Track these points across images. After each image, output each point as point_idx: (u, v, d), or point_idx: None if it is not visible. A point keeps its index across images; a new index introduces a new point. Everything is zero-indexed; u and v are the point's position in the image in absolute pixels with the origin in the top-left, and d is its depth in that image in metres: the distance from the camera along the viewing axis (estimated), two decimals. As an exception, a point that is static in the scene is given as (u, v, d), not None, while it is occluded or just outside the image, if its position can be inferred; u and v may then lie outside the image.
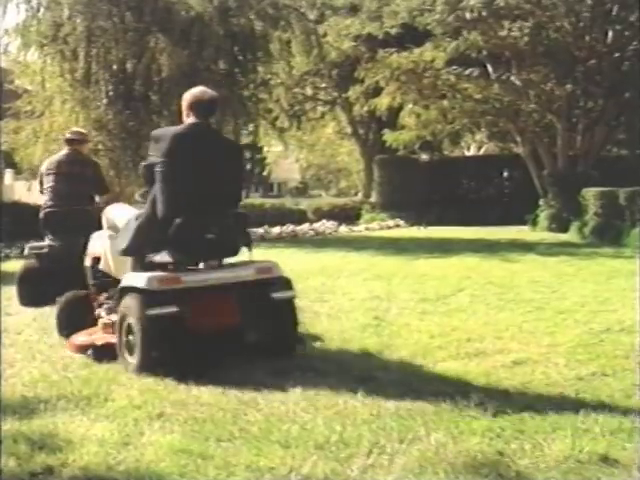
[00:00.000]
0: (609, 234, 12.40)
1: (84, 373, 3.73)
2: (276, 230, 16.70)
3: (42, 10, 14.25)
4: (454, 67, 16.17)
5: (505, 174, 22.15)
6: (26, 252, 6.96)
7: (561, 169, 17.44)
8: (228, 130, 16.43)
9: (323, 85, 26.37)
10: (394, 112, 23.50)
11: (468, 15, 14.23)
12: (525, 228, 18.16)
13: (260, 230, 16.46)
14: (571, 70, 16.25)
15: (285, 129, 25.17)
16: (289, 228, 17.31)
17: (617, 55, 15.80)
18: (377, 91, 21.63)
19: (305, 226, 17.96)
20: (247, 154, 29.75)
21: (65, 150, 6.89)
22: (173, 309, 3.77)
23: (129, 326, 3.88)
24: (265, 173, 44.02)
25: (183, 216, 3.98)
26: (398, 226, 19.65)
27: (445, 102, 18.68)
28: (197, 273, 4.18)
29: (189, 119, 4.29)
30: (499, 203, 21.70)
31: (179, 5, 14.24)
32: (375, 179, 22.97)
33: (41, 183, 6.84)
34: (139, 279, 3.92)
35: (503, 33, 15.28)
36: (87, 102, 14.47)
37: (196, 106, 4.29)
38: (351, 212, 22.23)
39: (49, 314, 5.61)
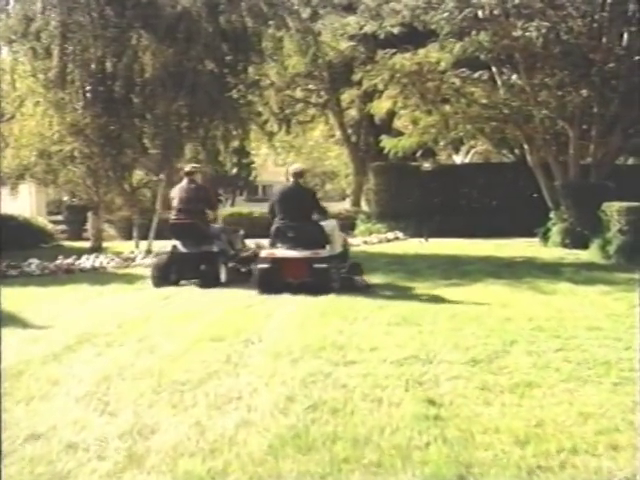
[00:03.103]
0: (638, 255, 11.26)
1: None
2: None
3: (11, 2, 12.90)
4: (462, 70, 14.99)
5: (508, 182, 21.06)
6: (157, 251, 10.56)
7: (573, 179, 16.33)
8: (215, 135, 15.19)
9: (314, 87, 25.14)
10: (388, 117, 22.41)
11: (480, 13, 13.03)
12: (534, 241, 17.06)
13: (252, 245, 15.18)
14: (586, 74, 15.13)
15: (274, 133, 23.93)
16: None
17: (637, 58, 14.65)
18: (371, 94, 20.48)
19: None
20: (235, 159, 28.44)
21: (185, 179, 9.83)
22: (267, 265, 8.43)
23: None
24: (251, 177, 42.85)
25: (278, 226, 8.64)
26: (397, 238, 18.48)
27: (448, 107, 17.54)
28: (284, 251, 8.50)
29: (290, 180, 9.00)
30: (502, 213, 20.63)
31: (164, -1, 12.94)
32: (371, 187, 21.79)
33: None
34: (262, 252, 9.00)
35: (516, 33, 14.08)
36: (62, 104, 13.15)
37: (292, 175, 8.97)
38: (345, 222, 20.92)
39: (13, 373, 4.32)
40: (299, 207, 8.65)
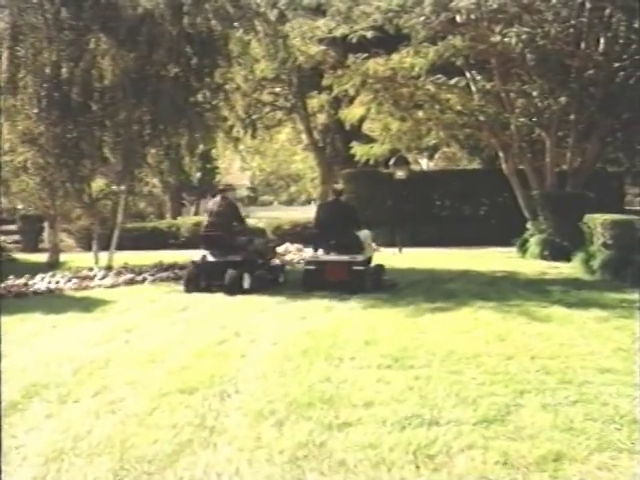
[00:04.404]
0: (625, 271, 10.78)
1: None
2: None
3: (-43, 2, 11.96)
4: (438, 76, 14.44)
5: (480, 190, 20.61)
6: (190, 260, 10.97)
7: (550, 188, 15.92)
8: (179, 143, 14.38)
9: (280, 91, 24.41)
10: (359, 122, 21.80)
11: (458, 18, 12.46)
12: (510, 251, 16.64)
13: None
14: (565, 81, 14.71)
15: (240, 139, 23.14)
16: (251, 255, 15.30)
17: (617, 65, 14.28)
18: (340, 99, 19.90)
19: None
20: (199, 164, 27.62)
21: (218, 195, 11.17)
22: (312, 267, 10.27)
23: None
24: (215, 181, 42.03)
25: (320, 234, 10.60)
26: (369, 249, 17.81)
27: (420, 113, 17.00)
28: (326, 255, 10.29)
29: (331, 196, 11.17)
30: (475, 221, 20.24)
31: (125, 0, 12.06)
32: (341, 195, 21.09)
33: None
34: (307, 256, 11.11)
35: (495, 39, 13.57)
36: (13, 112, 12.21)
37: (333, 193, 11.06)
38: (315, 232, 20.30)
39: None
40: (339, 219, 10.39)
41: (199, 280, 10.34)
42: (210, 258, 10.48)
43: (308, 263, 10.50)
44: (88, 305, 9.10)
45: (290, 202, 56.14)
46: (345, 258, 10.10)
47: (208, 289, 10.20)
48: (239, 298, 9.74)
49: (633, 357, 5.96)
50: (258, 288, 10.20)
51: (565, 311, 8.26)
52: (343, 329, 7.20)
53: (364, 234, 10.70)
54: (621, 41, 15.12)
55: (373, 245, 12.36)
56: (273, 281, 10.98)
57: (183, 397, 4.86)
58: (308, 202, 50.14)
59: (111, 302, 9.40)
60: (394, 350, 6.16)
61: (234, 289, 9.87)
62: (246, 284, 10.21)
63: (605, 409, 4.53)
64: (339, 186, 11.34)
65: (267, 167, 48.65)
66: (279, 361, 5.84)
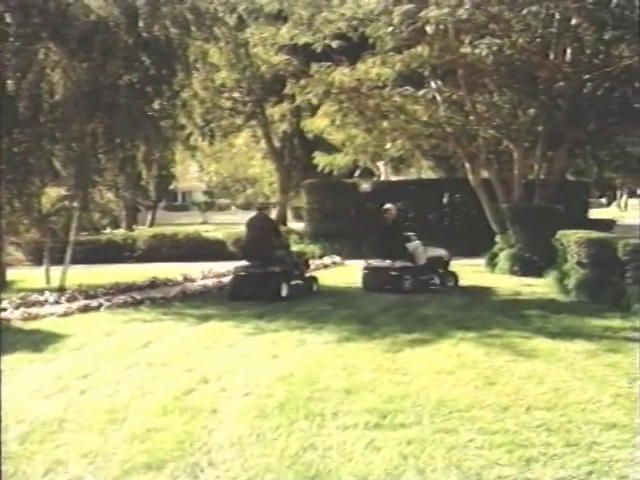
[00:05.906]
0: (603, 293, 10.46)
1: None
2: (197, 276, 14.06)
3: None
4: (406, 87, 14.01)
5: (445, 200, 20.28)
6: (234, 270, 12.14)
7: (519, 201, 15.63)
8: (136, 156, 13.66)
9: (238, 96, 23.74)
10: (321, 131, 21.31)
11: (428, 28, 12.04)
12: (477, 263, 16.30)
13: (180, 279, 13.81)
14: (533, 92, 14.42)
15: (197, 147, 22.42)
16: (212, 273, 14.68)
17: (586, 77, 14.05)
18: (300, 109, 19.38)
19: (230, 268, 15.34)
20: (155, 172, 26.75)
21: (256, 211, 12.66)
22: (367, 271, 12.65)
23: None
24: (171, 186, 41.16)
25: (371, 245, 13.22)
26: (335, 263, 17.34)
27: (385, 123, 16.55)
28: (377, 262, 12.47)
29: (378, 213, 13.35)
30: (440, 231, 19.87)
31: (77, 7, 11.28)
32: (304, 205, 20.59)
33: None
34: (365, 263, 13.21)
35: (465, 50, 13.18)
36: (-46, 126, 11.34)
37: (384, 212, 12.86)
38: (277, 243, 19.73)
39: None
40: (387, 233, 12.49)
41: (243, 289, 11.49)
42: (252, 269, 11.57)
43: (365, 268, 12.61)
44: (38, 342, 8.34)
45: (248, 206, 55.22)
46: (385, 264, 12.17)
47: (250, 297, 11.23)
48: (204, 329, 9.16)
49: (632, 404, 5.56)
50: (295, 296, 11.36)
51: (550, 343, 7.85)
52: (320, 373, 6.65)
53: (412, 245, 12.44)
54: (588, 51, 14.95)
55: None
56: (308, 290, 12.10)
57: (150, 475, 4.27)
58: (266, 207, 49.40)
59: (64, 336, 8.67)
60: (379, 402, 5.64)
61: (273, 297, 11.07)
62: (284, 292, 11.40)
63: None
64: (388, 205, 12.79)
65: (224, 171, 47.83)
66: (255, 420, 5.27)
